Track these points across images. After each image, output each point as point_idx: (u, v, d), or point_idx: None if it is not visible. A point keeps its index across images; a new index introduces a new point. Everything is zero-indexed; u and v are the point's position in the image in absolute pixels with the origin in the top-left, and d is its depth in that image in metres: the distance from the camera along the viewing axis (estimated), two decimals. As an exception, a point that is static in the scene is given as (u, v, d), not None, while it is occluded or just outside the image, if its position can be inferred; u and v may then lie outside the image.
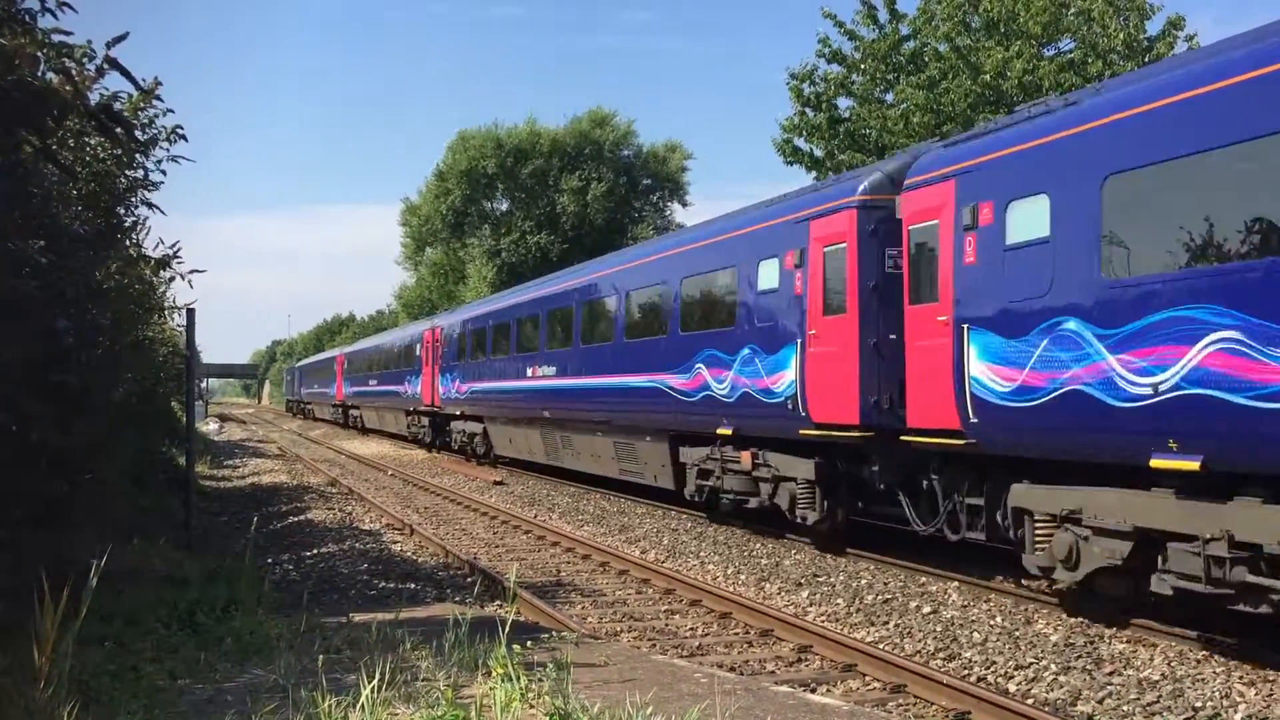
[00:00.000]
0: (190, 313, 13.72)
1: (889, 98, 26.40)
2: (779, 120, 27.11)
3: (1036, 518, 9.90)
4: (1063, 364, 9.30)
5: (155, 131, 10.40)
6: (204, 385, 78.93)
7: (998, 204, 10.28)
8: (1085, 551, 9.28)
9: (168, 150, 10.58)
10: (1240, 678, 7.93)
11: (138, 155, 10.52)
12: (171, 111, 10.33)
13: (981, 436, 10.37)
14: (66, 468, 8.95)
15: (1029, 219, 9.88)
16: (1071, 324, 9.27)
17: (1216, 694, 7.58)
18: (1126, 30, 22.80)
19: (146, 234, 12.16)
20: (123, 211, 11.12)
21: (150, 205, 11.22)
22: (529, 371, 23.57)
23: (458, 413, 30.80)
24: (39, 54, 7.29)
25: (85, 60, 8.09)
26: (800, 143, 27.28)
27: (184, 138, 10.51)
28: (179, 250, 11.52)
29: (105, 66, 8.09)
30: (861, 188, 12.67)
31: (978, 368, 10.33)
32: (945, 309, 10.89)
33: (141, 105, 10.00)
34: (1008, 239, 10.12)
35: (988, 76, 23.07)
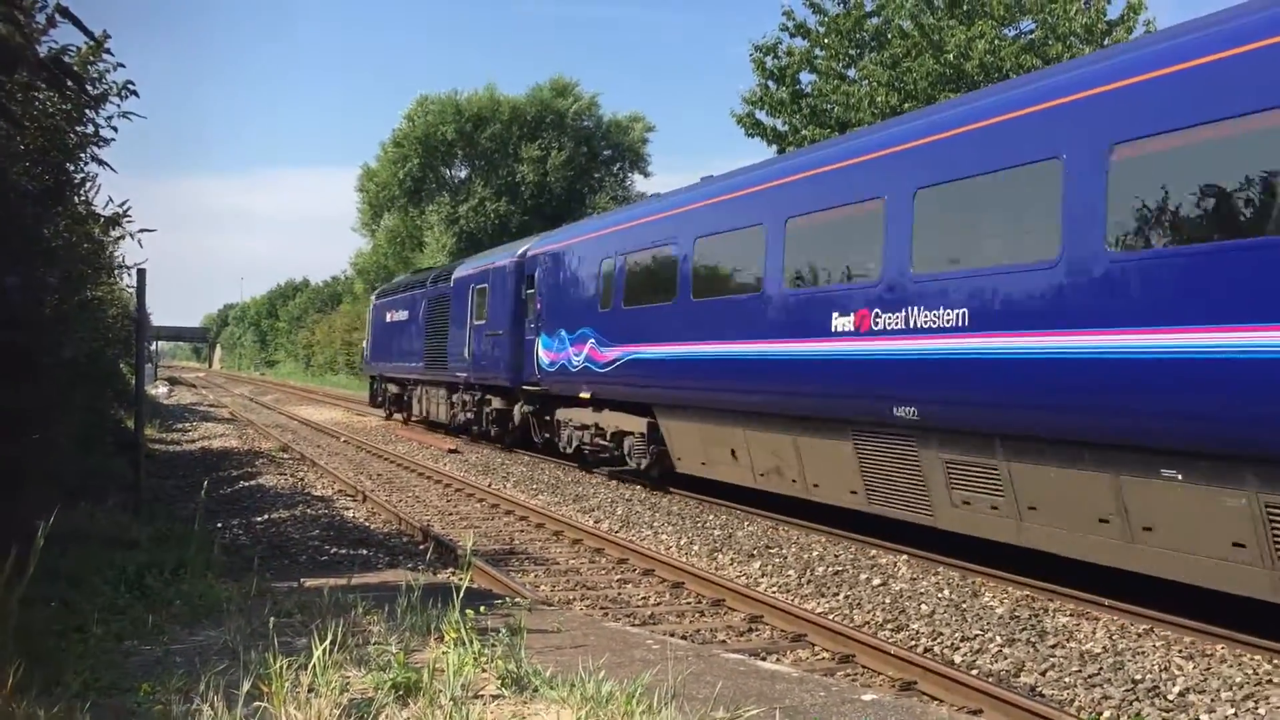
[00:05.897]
0: (140, 273, 13.43)
1: (852, 74, 26.37)
2: (741, 93, 27.03)
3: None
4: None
5: (106, 87, 10.18)
6: (154, 348, 77.67)
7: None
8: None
9: (118, 106, 10.36)
10: (1179, 651, 8.11)
11: (87, 111, 10.29)
12: (122, 66, 10.13)
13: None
14: (14, 429, 8.79)
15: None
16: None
17: (1156, 667, 7.75)
18: (1087, 13, 22.94)
19: (96, 192, 11.95)
20: (72, 168, 10.88)
21: (100, 162, 11.01)
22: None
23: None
24: (-13, 2, 7.09)
25: (35, 10, 7.89)
26: (762, 116, 27.22)
27: (135, 93, 10.29)
28: (129, 209, 11.33)
29: (56, 17, 7.90)
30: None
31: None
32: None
33: (91, 59, 9.77)
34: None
35: (950, 56, 23.12)
